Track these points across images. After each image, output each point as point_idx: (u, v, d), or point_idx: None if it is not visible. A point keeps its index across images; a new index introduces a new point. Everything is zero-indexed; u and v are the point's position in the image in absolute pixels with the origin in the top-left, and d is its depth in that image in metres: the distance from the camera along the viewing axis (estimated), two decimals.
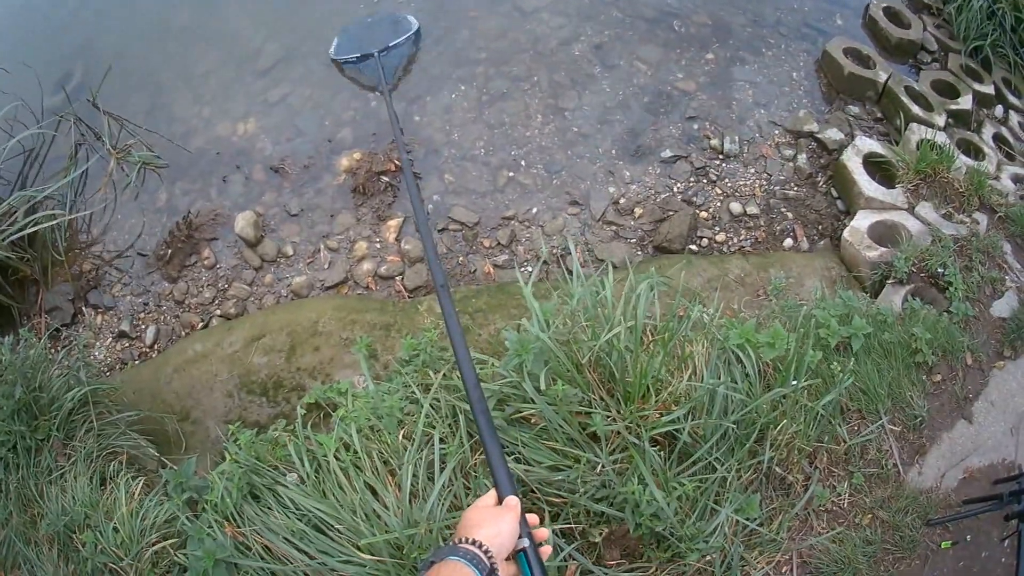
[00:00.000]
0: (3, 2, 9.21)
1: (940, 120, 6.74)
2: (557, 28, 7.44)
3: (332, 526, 3.64)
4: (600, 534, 3.53)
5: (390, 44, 7.30)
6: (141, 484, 4.35)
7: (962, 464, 4.51)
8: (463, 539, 2.03)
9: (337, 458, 3.84)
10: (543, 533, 2.28)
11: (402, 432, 3.94)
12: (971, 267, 5.48)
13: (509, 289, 5.57)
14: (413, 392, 4.13)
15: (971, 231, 5.74)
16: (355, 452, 3.85)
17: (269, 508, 3.86)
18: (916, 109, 6.72)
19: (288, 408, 5.19)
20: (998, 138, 7.04)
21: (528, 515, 2.31)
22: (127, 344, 6.11)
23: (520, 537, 2.19)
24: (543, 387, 3.52)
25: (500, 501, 2.35)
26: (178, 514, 4.01)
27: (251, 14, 8.03)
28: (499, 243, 6.11)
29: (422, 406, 3.90)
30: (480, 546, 2.00)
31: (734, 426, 3.69)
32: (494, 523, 2.13)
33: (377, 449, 3.88)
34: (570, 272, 4.10)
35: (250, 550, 3.73)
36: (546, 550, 2.24)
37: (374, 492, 3.71)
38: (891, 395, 4.60)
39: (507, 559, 2.15)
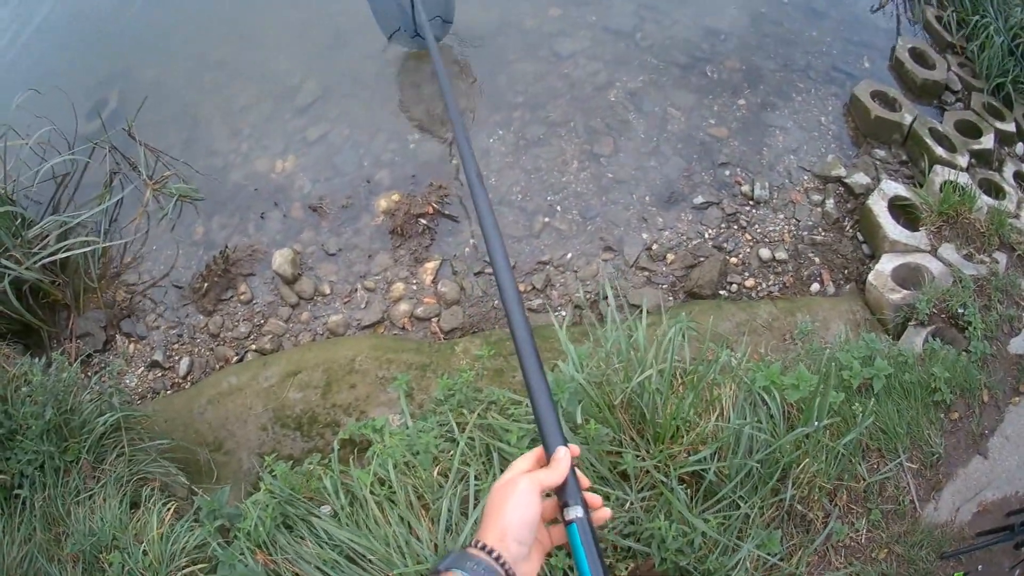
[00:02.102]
0: (39, 26, 9.31)
1: (963, 161, 6.80)
2: (593, 74, 7.54)
3: (365, 556, 3.70)
4: (627, 569, 3.58)
5: None
6: (172, 510, 4.41)
7: (977, 498, 4.58)
8: (474, 542, 1.68)
9: (372, 492, 3.89)
10: (596, 500, 1.82)
11: (437, 469, 4.00)
12: (990, 306, 5.54)
13: (543, 333, 5.56)
14: (448, 430, 4.19)
15: (991, 270, 5.81)
16: (390, 487, 3.91)
17: (302, 538, 3.92)
18: (940, 151, 6.78)
19: (322, 443, 5.26)
20: (1019, 176, 7.10)
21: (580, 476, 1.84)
22: (160, 374, 6.20)
23: (568, 505, 1.76)
24: (579, 422, 3.59)
25: (548, 460, 1.86)
26: (209, 540, 4.06)
27: (290, 50, 8.14)
28: (534, 287, 6.18)
29: (458, 443, 3.98)
30: (490, 552, 1.65)
31: (758, 465, 3.74)
32: (501, 511, 1.72)
33: (412, 484, 3.93)
34: (602, 317, 4.22)
35: None
36: (603, 514, 1.82)
37: (408, 525, 3.77)
38: (910, 433, 4.66)
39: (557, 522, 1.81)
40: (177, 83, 8.13)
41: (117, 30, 8.95)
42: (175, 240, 6.86)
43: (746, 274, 6.30)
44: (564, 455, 1.84)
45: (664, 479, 3.64)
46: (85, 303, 6.48)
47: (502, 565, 1.64)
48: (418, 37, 7.49)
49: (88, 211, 6.67)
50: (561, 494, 1.80)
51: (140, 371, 6.26)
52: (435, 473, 3.99)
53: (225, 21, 8.70)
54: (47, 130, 7.03)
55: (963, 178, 6.50)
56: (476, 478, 3.87)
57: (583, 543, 1.71)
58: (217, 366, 6.18)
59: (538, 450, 1.92)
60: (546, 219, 6.58)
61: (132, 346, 6.38)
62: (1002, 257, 6.03)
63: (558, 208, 6.64)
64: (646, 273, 6.28)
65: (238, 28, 8.57)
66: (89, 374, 5.86)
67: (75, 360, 5.87)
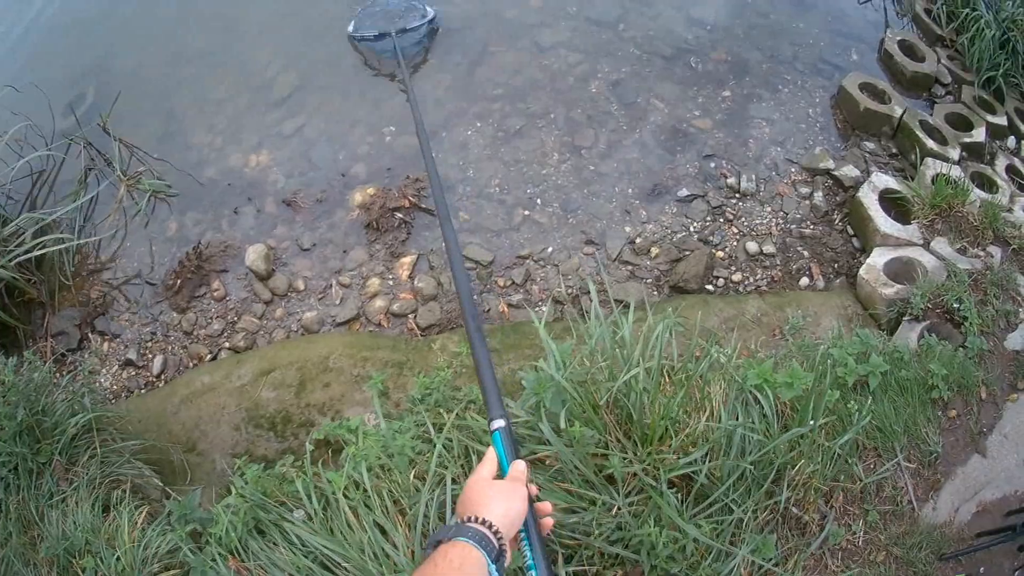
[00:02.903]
0: (16, 22, 9.24)
1: (954, 154, 6.73)
2: (574, 64, 7.47)
3: (339, 564, 3.60)
4: None
5: (407, 27, 7.48)
6: (144, 513, 4.32)
7: (976, 498, 4.48)
8: (472, 517, 1.89)
9: (346, 496, 3.79)
10: (546, 507, 2.15)
11: (413, 472, 3.88)
12: (986, 301, 5.44)
13: (523, 329, 5.53)
14: (425, 431, 4.08)
15: (985, 265, 5.71)
16: (365, 490, 3.81)
17: (274, 544, 3.82)
18: (931, 143, 6.71)
19: (296, 444, 5.16)
20: (1011, 170, 7.03)
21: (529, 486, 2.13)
22: (133, 373, 6.10)
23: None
24: (563, 426, 3.46)
25: (489, 423, 2.34)
26: (181, 545, 3.98)
27: (266, 44, 8.07)
28: (514, 282, 6.08)
29: (435, 445, 3.86)
30: (491, 527, 1.86)
31: (751, 467, 3.63)
32: (505, 500, 1.97)
33: (387, 488, 3.83)
34: (585, 313, 4.10)
35: None
36: (547, 523, 2.11)
37: (383, 531, 3.66)
38: (907, 432, 4.56)
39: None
40: (154, 77, 8.06)
41: (94, 25, 8.90)
42: (149, 237, 6.77)
43: (733, 268, 6.20)
44: (522, 468, 2.18)
45: (653, 483, 3.53)
46: (60, 301, 6.43)
47: (496, 535, 1.85)
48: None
49: (63, 208, 6.64)
50: None
51: (114, 370, 6.17)
52: (412, 476, 3.87)
53: (202, 14, 8.64)
54: (22, 126, 6.94)
55: (955, 171, 6.43)
56: (454, 481, 3.75)
57: (530, 540, 2.03)
58: (191, 364, 6.09)
59: (492, 455, 2.23)
60: (526, 212, 6.48)
61: (106, 344, 6.31)
62: (996, 251, 5.96)
63: (538, 201, 6.55)
64: (629, 267, 6.18)
65: (216, 21, 8.51)
66: (63, 373, 5.79)
67: (49, 359, 5.83)
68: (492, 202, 6.55)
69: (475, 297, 5.99)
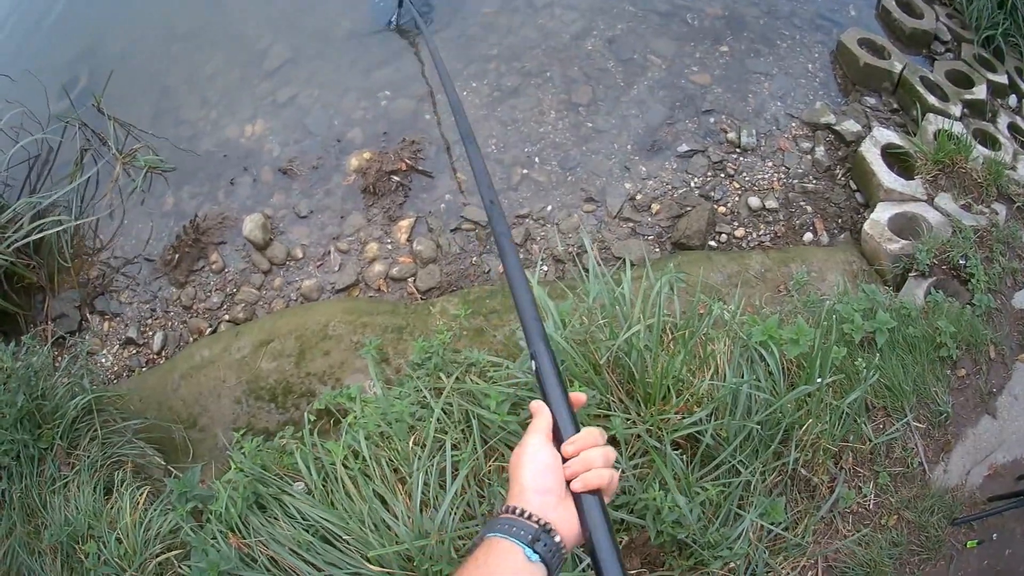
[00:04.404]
0: (6, 9, 9.25)
1: (956, 110, 6.65)
2: (569, 23, 7.36)
3: (340, 537, 3.54)
4: (620, 543, 3.40)
5: None
6: (146, 493, 4.29)
7: (987, 460, 4.44)
8: (504, 508, 1.74)
9: (345, 466, 3.72)
10: (580, 398, 1.91)
11: (413, 438, 3.81)
12: (992, 258, 5.38)
13: None
14: (424, 396, 4.00)
15: (991, 221, 5.65)
16: (364, 459, 3.74)
17: (275, 518, 3.74)
18: (932, 99, 6.63)
19: (297, 415, 5.11)
20: (1013, 128, 6.95)
21: (574, 395, 1.91)
22: (134, 351, 6.09)
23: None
24: None
25: (532, 355, 2.01)
26: (182, 524, 3.91)
27: (257, 15, 7.99)
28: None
29: (433, 411, 3.79)
30: (515, 510, 1.70)
31: (758, 427, 3.57)
32: (517, 471, 1.79)
33: (386, 456, 3.76)
34: (586, 270, 4.02)
35: (256, 561, 3.61)
36: (579, 397, 1.90)
37: (383, 501, 3.59)
38: (916, 391, 4.50)
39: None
40: (145, 55, 8.05)
41: (84, 7, 8.94)
42: (146, 213, 6.78)
43: (735, 223, 6.15)
44: (537, 405, 1.90)
45: (657, 444, 3.46)
46: (60, 284, 6.44)
47: (528, 518, 1.70)
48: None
49: (60, 190, 6.65)
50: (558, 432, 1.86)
51: (115, 349, 6.20)
52: (411, 443, 3.82)
53: None
54: (17, 112, 6.96)
55: (957, 127, 6.36)
56: (454, 447, 3.68)
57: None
58: (190, 339, 6.09)
59: (535, 407, 1.93)
60: (524, 171, 6.41)
61: (106, 324, 6.32)
62: (1001, 208, 5.90)
63: (536, 159, 6.48)
64: (630, 224, 6.12)
65: None
66: (64, 356, 5.87)
67: (48, 343, 5.81)
68: (490, 161, 6.44)
69: (475, 259, 5.99)
